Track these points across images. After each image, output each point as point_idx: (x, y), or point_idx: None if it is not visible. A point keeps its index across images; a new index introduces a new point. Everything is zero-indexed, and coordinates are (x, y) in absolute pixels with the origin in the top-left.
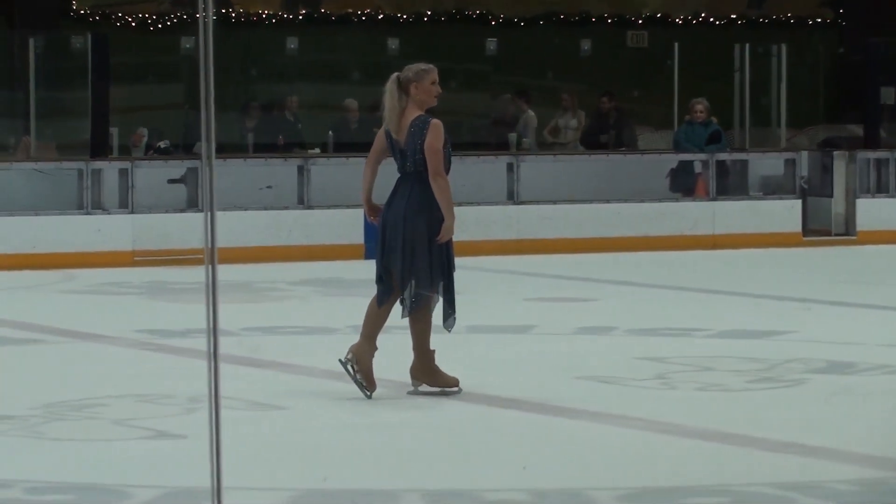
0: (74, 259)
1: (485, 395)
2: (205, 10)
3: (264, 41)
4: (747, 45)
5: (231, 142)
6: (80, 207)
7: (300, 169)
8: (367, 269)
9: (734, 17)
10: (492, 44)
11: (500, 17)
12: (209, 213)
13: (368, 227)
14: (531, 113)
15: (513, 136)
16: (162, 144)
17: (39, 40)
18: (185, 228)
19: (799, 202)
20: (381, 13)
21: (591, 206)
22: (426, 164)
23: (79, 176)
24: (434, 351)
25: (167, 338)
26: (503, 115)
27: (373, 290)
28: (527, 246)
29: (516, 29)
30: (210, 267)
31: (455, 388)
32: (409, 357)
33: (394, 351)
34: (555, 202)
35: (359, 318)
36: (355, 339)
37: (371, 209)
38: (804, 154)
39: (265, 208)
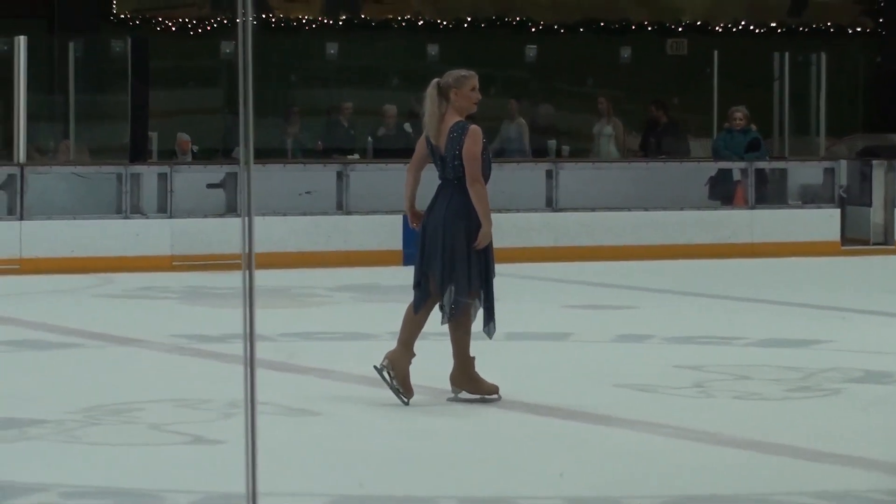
0: (113, 263)
1: (522, 402)
2: (244, 14)
3: (304, 46)
4: (787, 54)
5: (270, 146)
6: (118, 211)
7: (339, 174)
8: (406, 275)
9: (774, 25)
10: (531, 50)
11: (540, 24)
12: (247, 218)
13: (407, 233)
14: (522, 120)
15: (552, 143)
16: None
17: (79, 44)
18: (223, 233)
19: (837, 211)
20: (422, 19)
21: (629, 214)
22: (465, 170)
23: (118, 180)
24: (474, 358)
25: (205, 342)
26: (543, 122)
27: (411, 296)
28: (565, 253)
29: (556, 36)
30: (247, 272)
31: (495, 396)
32: (447, 364)
33: (432, 357)
34: (593, 209)
35: (397, 325)
36: (393, 345)
37: (413, 215)
38: (843, 163)
39: (304, 213)
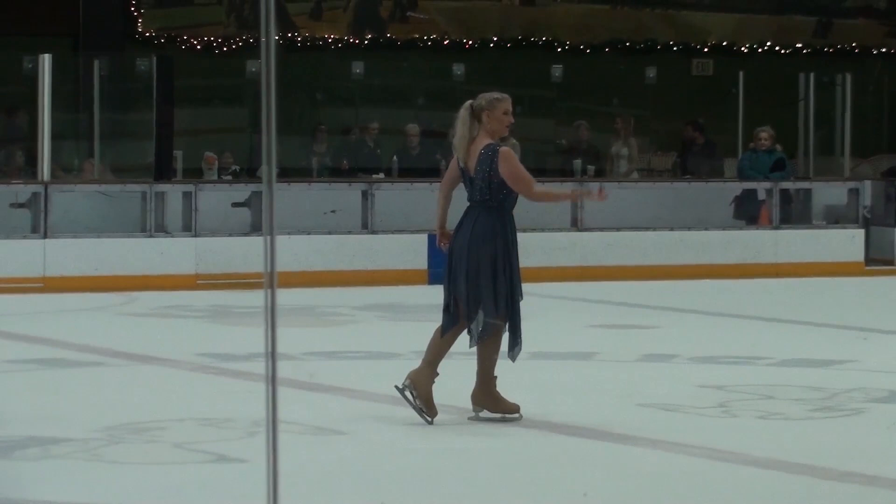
0: (137, 282)
1: (547, 420)
2: (267, 33)
3: (330, 65)
4: (812, 74)
5: (296, 165)
6: (143, 230)
7: (364, 193)
8: (431, 294)
9: (799, 45)
10: (557, 70)
11: (567, 44)
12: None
13: (432, 252)
14: (514, 141)
15: (577, 163)
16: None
17: (104, 62)
18: (248, 252)
19: (862, 231)
20: (447, 39)
21: (654, 234)
22: (491, 192)
23: (142, 198)
24: (496, 377)
25: (229, 361)
26: (571, 142)
27: (436, 316)
28: (590, 273)
29: (582, 56)
30: (270, 291)
31: (516, 415)
32: (471, 383)
33: (456, 377)
34: (618, 229)
35: (422, 344)
36: (417, 363)
37: (443, 235)
38: (868, 183)
39: (329, 232)
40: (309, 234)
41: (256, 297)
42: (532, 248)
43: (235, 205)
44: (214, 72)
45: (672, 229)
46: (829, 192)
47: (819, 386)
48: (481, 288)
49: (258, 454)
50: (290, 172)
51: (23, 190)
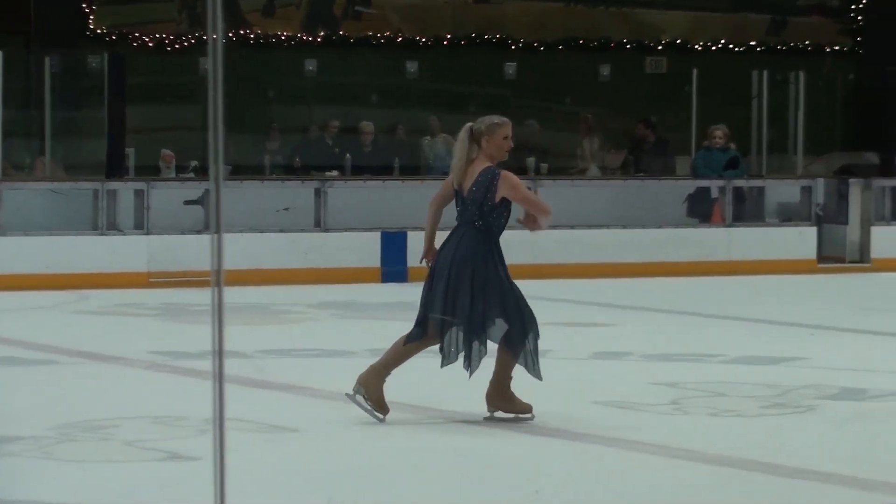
0: (89, 280)
1: (500, 418)
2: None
3: (283, 63)
4: (766, 72)
5: (248, 163)
6: (94, 228)
7: (317, 191)
8: (384, 292)
9: (753, 43)
10: (511, 68)
11: (520, 42)
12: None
13: (386, 250)
14: (446, 136)
15: (531, 161)
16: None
17: (56, 60)
18: (200, 250)
19: (814, 229)
20: (401, 36)
21: (608, 231)
22: (482, 215)
23: (94, 196)
24: (511, 378)
25: (181, 359)
26: (524, 140)
27: (389, 314)
28: (544, 271)
29: (535, 53)
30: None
31: (528, 415)
32: (431, 381)
33: (413, 374)
34: (572, 227)
35: (375, 342)
36: (371, 361)
37: (429, 251)
38: (820, 181)
39: (282, 230)
40: (262, 231)
41: (209, 295)
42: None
43: (188, 202)
44: (167, 69)
45: (625, 227)
46: (781, 190)
47: (771, 383)
48: (457, 309)
49: (210, 451)
50: (242, 170)
51: None
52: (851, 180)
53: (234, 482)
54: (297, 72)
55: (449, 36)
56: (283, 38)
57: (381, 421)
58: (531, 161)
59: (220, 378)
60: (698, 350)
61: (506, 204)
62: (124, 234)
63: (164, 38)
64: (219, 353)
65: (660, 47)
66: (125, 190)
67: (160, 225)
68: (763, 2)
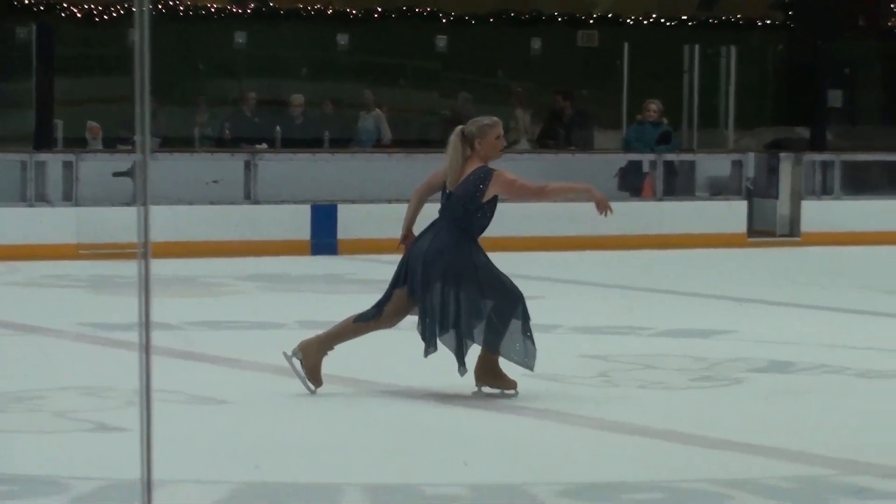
0: (17, 251)
1: (428, 390)
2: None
3: (212, 35)
4: (697, 46)
5: (178, 135)
6: (23, 199)
7: (247, 164)
8: (314, 265)
9: (684, 18)
10: (442, 41)
11: (451, 15)
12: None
13: (315, 223)
14: (378, 111)
15: None
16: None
17: None
18: (129, 222)
19: (744, 203)
20: (331, 8)
21: (538, 205)
22: (465, 212)
23: (22, 168)
24: (498, 355)
25: (110, 331)
26: (458, 113)
27: (319, 286)
28: None
29: (467, 26)
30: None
31: (512, 391)
32: (369, 355)
33: (351, 349)
34: (503, 200)
35: (304, 314)
36: (301, 334)
37: (405, 237)
38: (751, 155)
39: (212, 203)
40: (191, 203)
41: (137, 267)
42: (417, 220)
43: (117, 174)
44: (95, 40)
45: (556, 201)
46: (712, 164)
47: (700, 356)
48: (430, 298)
49: (138, 423)
50: (171, 142)
51: None
52: (782, 154)
53: (161, 453)
54: (227, 44)
55: (380, 9)
56: (212, 9)
57: (312, 393)
58: None
59: (146, 349)
60: (628, 323)
61: (491, 205)
62: (53, 206)
63: (93, 9)
64: (145, 325)
65: (591, 21)
66: (54, 161)
67: (89, 197)
68: None
